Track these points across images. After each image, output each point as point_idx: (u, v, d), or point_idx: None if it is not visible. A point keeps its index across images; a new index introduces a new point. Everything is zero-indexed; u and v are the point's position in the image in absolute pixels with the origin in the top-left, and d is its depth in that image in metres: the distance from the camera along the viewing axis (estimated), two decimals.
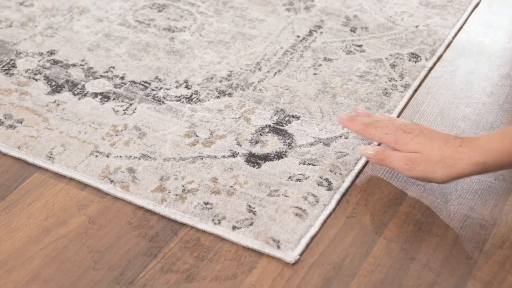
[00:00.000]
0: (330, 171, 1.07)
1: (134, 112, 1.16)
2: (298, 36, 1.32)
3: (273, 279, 0.93)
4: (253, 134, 1.13)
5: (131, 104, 1.17)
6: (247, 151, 1.10)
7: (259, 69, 1.24)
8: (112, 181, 1.04)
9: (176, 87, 1.21)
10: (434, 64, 1.27)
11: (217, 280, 0.93)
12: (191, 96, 1.19)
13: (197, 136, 1.12)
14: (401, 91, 1.21)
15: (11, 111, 1.15)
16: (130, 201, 1.02)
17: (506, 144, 0.95)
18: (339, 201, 1.04)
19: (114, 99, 1.18)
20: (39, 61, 1.25)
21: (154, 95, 1.19)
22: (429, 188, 1.05)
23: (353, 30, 1.33)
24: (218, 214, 1.01)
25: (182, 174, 1.06)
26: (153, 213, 1.01)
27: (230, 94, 1.19)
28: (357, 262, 0.95)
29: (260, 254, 0.96)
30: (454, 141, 0.99)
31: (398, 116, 1.17)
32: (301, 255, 0.96)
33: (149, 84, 1.21)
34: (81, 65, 1.24)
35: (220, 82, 1.22)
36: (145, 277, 0.93)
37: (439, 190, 1.04)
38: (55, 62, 1.25)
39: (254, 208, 1.01)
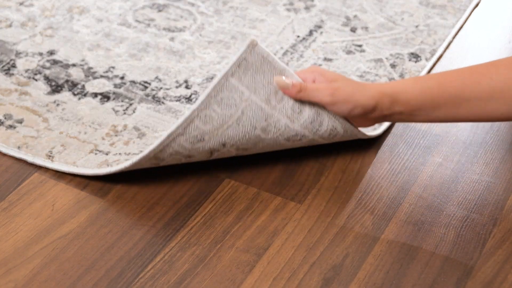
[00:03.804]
0: None
1: (134, 112, 1.16)
2: (298, 36, 1.32)
3: (273, 279, 0.93)
4: None
5: (131, 104, 1.17)
6: None
7: None
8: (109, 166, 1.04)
9: (176, 87, 1.21)
10: (434, 64, 1.27)
11: (217, 280, 0.93)
12: (190, 96, 1.19)
13: None
14: None
15: (11, 111, 1.15)
16: (129, 200, 1.02)
17: (415, 88, 1.00)
18: None
19: (114, 99, 1.18)
20: (39, 61, 1.25)
21: (154, 95, 1.19)
22: (429, 188, 1.05)
23: (353, 30, 1.33)
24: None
25: None
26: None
27: None
28: (357, 262, 0.95)
29: (260, 254, 0.96)
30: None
31: None
32: (301, 255, 0.96)
33: (149, 84, 1.21)
34: (81, 65, 1.24)
35: None
36: (145, 277, 0.93)
37: (439, 190, 1.04)
38: (55, 62, 1.24)
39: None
